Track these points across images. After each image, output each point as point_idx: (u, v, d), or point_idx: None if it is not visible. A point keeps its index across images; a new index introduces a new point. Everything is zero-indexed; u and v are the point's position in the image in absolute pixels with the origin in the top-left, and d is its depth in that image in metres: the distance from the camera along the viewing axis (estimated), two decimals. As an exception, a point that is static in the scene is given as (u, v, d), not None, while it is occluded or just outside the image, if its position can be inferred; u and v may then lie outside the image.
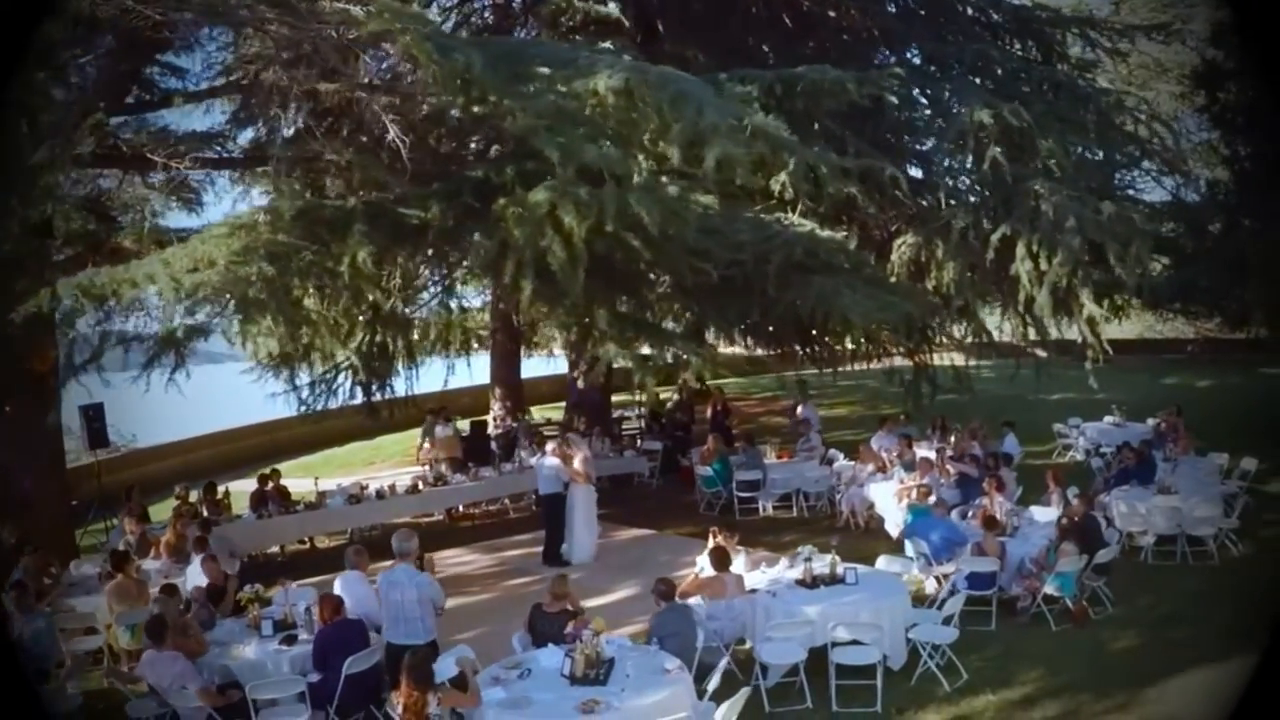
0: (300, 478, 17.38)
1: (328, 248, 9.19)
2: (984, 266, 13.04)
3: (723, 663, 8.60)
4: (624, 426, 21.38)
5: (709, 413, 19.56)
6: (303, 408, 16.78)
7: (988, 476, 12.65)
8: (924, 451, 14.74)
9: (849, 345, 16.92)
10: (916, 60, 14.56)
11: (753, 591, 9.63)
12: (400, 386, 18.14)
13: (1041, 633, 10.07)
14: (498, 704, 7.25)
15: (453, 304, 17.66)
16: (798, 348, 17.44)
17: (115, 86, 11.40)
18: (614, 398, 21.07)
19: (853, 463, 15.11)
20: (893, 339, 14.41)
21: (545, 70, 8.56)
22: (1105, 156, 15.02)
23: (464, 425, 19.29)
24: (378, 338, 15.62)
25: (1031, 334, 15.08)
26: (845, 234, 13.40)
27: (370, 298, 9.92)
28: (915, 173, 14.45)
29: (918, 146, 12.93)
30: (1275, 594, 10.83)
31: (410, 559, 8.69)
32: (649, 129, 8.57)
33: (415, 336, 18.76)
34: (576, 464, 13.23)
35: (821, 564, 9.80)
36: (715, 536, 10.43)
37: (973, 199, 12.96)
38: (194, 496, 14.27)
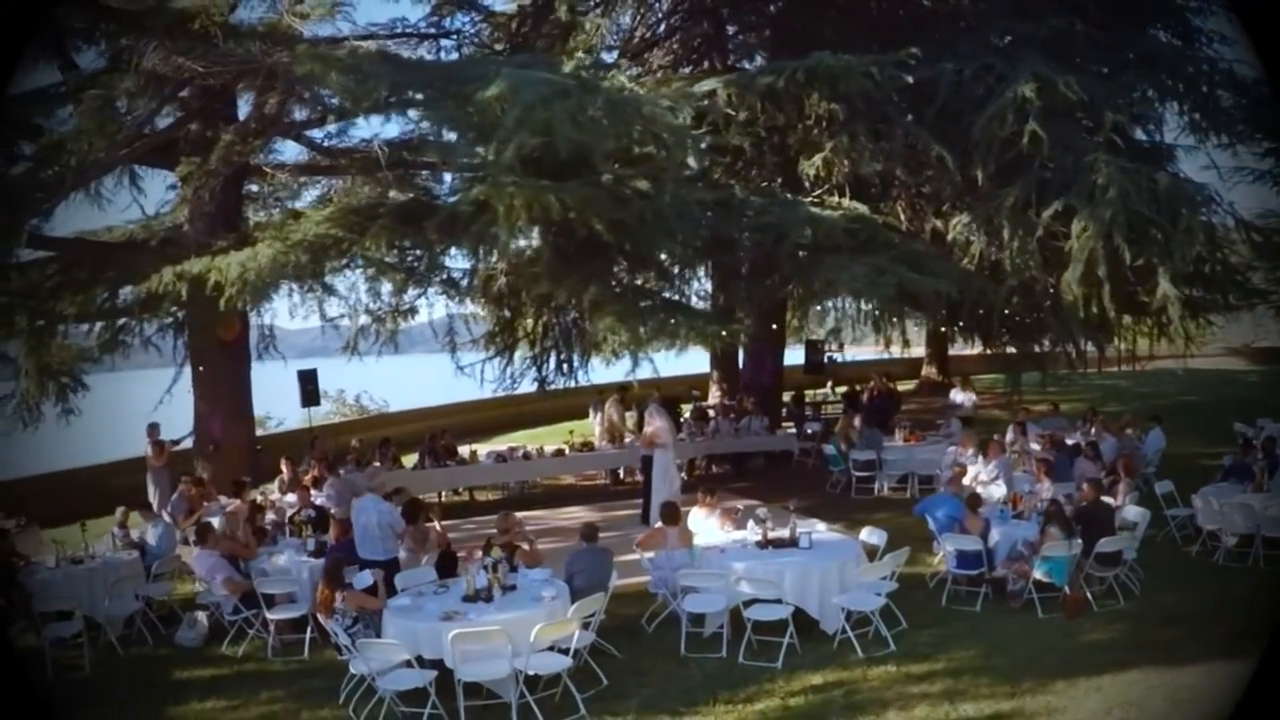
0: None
1: (361, 236, 11.09)
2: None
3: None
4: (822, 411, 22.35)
5: (865, 398, 19.69)
6: (489, 386, 18.94)
7: (1038, 461, 12.23)
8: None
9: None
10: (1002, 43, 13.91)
11: (711, 548, 10.36)
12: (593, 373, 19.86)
13: (1019, 618, 9.78)
14: (396, 608, 8.74)
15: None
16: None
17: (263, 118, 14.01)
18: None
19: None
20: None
21: (457, 86, 9.90)
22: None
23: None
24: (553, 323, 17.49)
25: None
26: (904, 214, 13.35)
27: (385, 277, 11.66)
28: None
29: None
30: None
31: (376, 492, 10.42)
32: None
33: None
34: (646, 430, 14.38)
35: (783, 528, 10.33)
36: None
37: (1030, 175, 12.31)
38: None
